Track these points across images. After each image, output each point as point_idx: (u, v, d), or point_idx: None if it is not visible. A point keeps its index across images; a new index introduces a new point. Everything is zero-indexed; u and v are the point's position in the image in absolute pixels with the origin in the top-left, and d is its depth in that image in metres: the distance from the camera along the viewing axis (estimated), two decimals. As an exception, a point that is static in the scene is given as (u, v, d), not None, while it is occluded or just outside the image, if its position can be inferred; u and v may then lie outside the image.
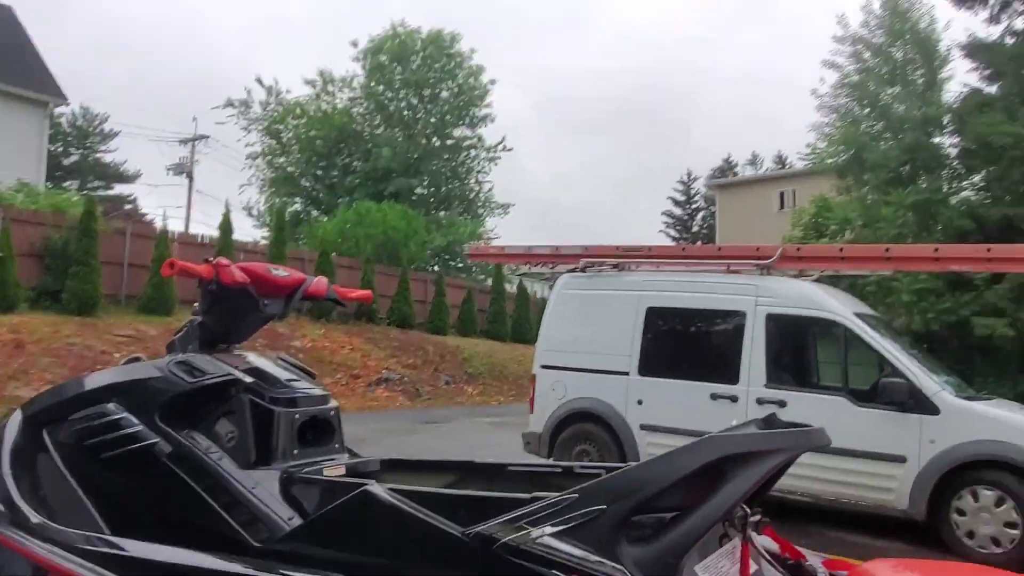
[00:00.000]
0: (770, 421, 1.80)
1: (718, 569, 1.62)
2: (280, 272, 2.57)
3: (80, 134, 34.42)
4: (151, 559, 1.97)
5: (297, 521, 2.05)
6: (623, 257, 7.48)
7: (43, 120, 20.14)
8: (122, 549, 2.00)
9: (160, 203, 76.45)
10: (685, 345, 7.08)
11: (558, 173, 78.73)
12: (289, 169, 30.51)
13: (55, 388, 2.69)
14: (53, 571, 2.02)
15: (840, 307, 6.33)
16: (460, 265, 27.64)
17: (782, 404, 6.08)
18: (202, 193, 47.14)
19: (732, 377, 6.44)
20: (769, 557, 1.89)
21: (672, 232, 44.77)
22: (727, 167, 44.19)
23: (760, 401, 6.19)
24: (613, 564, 1.53)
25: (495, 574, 1.61)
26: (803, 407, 6.00)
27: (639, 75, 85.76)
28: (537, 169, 72.91)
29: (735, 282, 6.72)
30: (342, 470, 2.37)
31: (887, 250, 6.53)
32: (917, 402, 5.66)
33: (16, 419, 2.63)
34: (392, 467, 2.48)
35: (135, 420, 2.35)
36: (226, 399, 2.34)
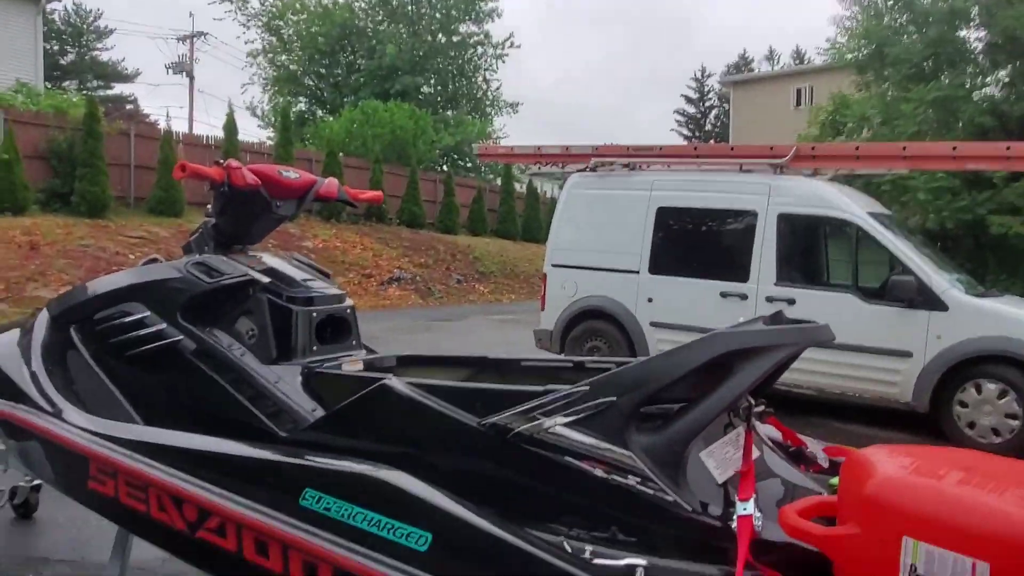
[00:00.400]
0: (776, 318, 1.82)
1: (722, 455, 1.69)
2: (290, 174, 2.56)
3: (75, 32, 33.42)
4: (188, 447, 2.06)
5: (320, 413, 2.13)
6: (634, 156, 7.39)
7: (36, 17, 19.54)
8: (160, 438, 2.10)
9: (162, 103, 74.99)
10: (696, 244, 7.08)
11: (567, 71, 76.33)
12: (291, 67, 29.72)
13: (78, 288, 2.74)
14: (94, 459, 2.13)
15: (853, 206, 6.28)
16: (469, 165, 27.32)
17: (791, 302, 6.13)
18: (204, 93, 46.05)
19: (742, 276, 6.48)
20: (772, 444, 1.97)
21: (684, 131, 43.84)
22: (743, 63, 42.75)
23: (770, 299, 6.26)
24: (622, 451, 1.60)
25: (510, 461, 1.69)
26: (812, 305, 6.06)
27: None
28: (545, 68, 70.72)
29: (747, 181, 6.65)
30: (360, 366, 2.44)
31: (904, 148, 6.40)
32: (926, 299, 5.71)
33: (43, 318, 2.69)
34: (408, 363, 2.54)
35: (158, 319, 2.41)
36: (244, 299, 2.39)
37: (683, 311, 6.69)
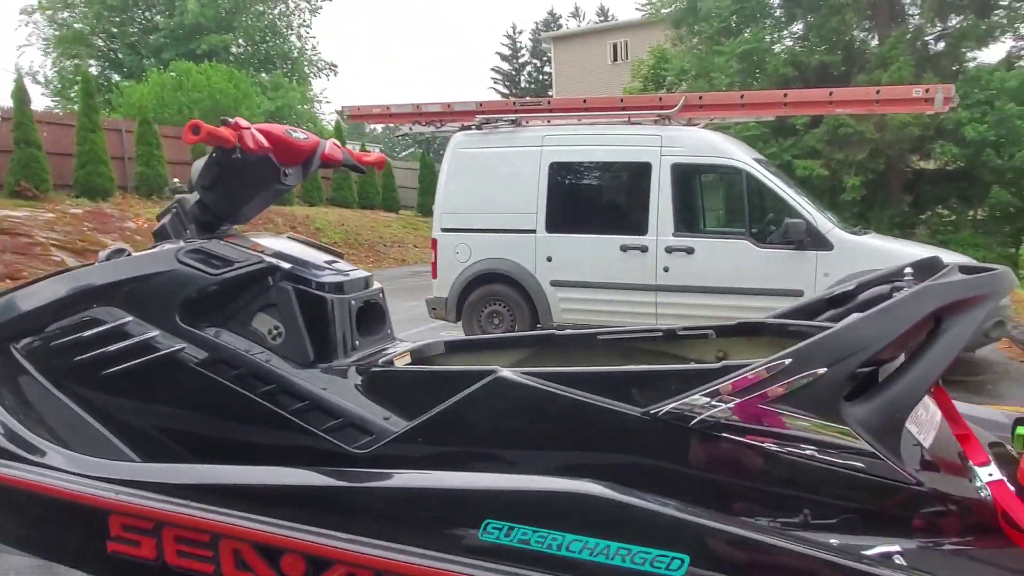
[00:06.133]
0: (968, 268, 1.72)
1: (919, 418, 1.59)
2: (299, 135, 2.11)
3: None
4: (224, 482, 1.64)
5: (395, 419, 1.79)
6: (521, 112, 7.20)
7: None
8: (225, 476, 1.65)
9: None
10: (592, 199, 7.07)
11: (380, 32, 74.07)
12: (76, 26, 26.14)
13: (7, 298, 2.11)
14: (116, 512, 1.63)
15: (741, 153, 6.53)
16: (293, 131, 25.69)
17: (690, 251, 6.32)
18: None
19: (640, 228, 6.55)
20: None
21: (501, 88, 44.09)
22: (552, 20, 43.61)
23: (669, 249, 6.40)
24: (839, 426, 1.43)
25: (693, 454, 1.48)
26: (710, 252, 6.31)
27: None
28: (358, 31, 68.21)
29: (639, 133, 6.71)
30: (408, 357, 2.10)
31: (785, 95, 6.72)
32: (814, 239, 6.07)
33: None
34: (457, 348, 2.22)
35: (147, 325, 1.91)
36: (263, 290, 1.95)
37: (584, 268, 6.69)
